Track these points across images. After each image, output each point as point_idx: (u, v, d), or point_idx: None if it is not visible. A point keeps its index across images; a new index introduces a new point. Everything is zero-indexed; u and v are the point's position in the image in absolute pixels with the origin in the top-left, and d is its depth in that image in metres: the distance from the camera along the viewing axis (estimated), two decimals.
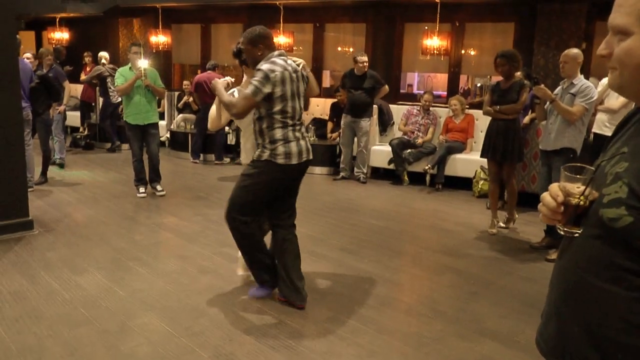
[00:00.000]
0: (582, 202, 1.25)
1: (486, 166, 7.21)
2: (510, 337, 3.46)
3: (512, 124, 5.53)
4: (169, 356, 3.09)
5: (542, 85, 4.91)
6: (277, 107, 3.51)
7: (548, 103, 4.97)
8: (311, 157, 3.77)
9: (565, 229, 1.32)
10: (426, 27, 8.82)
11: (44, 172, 7.37)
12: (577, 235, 1.30)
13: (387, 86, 8.02)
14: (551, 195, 1.30)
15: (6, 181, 5.16)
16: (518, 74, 5.56)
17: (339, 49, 10.43)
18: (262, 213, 3.86)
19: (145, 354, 3.13)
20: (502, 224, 5.87)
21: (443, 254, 5.07)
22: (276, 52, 3.62)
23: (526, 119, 6.62)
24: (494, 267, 4.75)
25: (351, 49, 10.17)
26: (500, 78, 5.63)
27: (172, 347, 3.19)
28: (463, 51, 9.08)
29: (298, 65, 3.71)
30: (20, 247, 4.89)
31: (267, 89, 3.43)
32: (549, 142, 5.00)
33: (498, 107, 5.50)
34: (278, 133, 3.55)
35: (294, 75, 3.57)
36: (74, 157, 9.30)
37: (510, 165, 5.65)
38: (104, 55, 10.01)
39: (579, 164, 1.28)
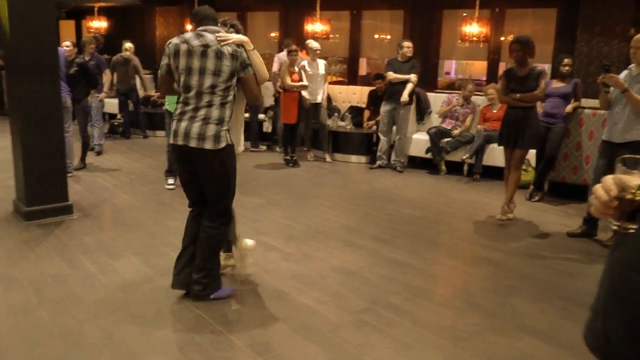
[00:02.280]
0: (637, 197, 1.17)
1: (525, 156, 7.08)
2: (550, 333, 3.36)
3: (530, 112, 5.45)
4: (204, 343, 3.10)
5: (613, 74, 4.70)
6: (178, 81, 3.48)
7: (613, 92, 4.76)
8: (191, 143, 3.36)
9: (618, 225, 1.24)
10: (465, 14, 8.63)
11: (82, 158, 7.51)
12: (631, 231, 1.22)
13: (414, 76, 7.81)
14: (604, 188, 1.23)
15: (47, 167, 5.26)
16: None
17: (376, 36, 10.30)
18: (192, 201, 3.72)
19: (180, 339, 3.15)
20: (501, 217, 5.68)
21: (479, 246, 4.97)
22: (200, 28, 3.47)
23: (569, 108, 6.42)
24: (532, 261, 4.64)
25: (388, 37, 10.04)
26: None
27: (207, 334, 3.20)
28: (503, 38, 8.86)
29: (222, 41, 3.37)
30: (60, 231, 4.98)
31: (164, 61, 3.51)
32: (615, 134, 4.78)
33: (518, 95, 5.39)
34: (177, 110, 3.51)
35: (197, 49, 3.35)
36: (112, 144, 9.44)
37: (522, 152, 5.55)
38: (128, 45, 9.97)
39: (636, 156, 1.20)
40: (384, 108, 8.01)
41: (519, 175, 5.73)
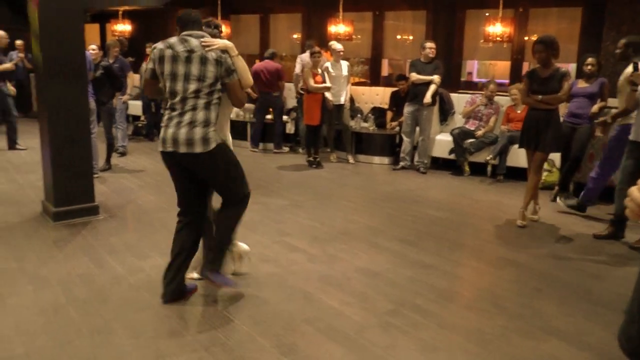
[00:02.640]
0: None
1: (550, 157, 6.99)
2: (578, 337, 3.32)
3: (552, 114, 5.35)
4: (230, 343, 3.12)
5: None
6: (163, 86, 3.46)
7: None
8: (181, 150, 3.37)
9: None
10: (487, 14, 8.57)
11: (108, 160, 7.62)
12: None
13: (437, 77, 7.77)
14: None
15: (74, 168, 5.34)
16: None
17: (398, 37, 10.27)
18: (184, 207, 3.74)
19: (207, 340, 3.17)
20: (522, 222, 5.56)
21: (505, 248, 4.93)
22: (184, 32, 3.44)
23: (594, 108, 6.33)
24: (558, 263, 4.58)
25: (411, 37, 10.01)
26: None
27: (234, 334, 3.23)
28: (526, 38, 8.77)
29: (207, 46, 3.36)
30: (87, 232, 5.06)
31: (149, 65, 3.50)
32: None
33: (540, 96, 5.31)
34: (164, 116, 3.50)
35: (182, 55, 3.34)
36: (136, 145, 9.56)
37: (543, 155, 5.46)
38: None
39: None
40: (407, 109, 7.99)
41: (539, 179, 5.65)
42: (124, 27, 13.17)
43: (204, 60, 3.34)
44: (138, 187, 6.72)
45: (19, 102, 12.89)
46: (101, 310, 3.50)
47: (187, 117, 3.36)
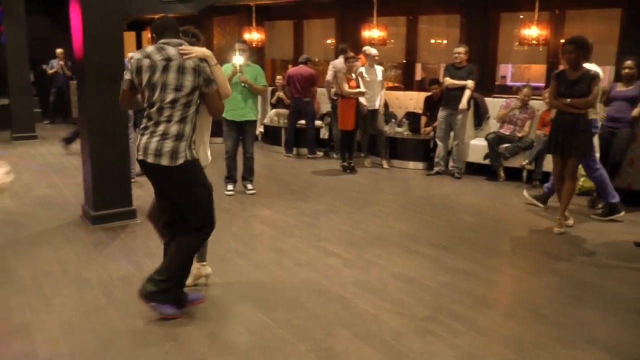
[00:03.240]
0: None
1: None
2: (619, 347, 3.25)
3: (581, 118, 5.21)
4: (268, 347, 3.15)
5: None
6: (142, 96, 3.40)
7: None
8: (149, 159, 3.31)
9: None
10: (521, 16, 8.47)
11: None
12: None
13: (470, 82, 7.68)
14: None
15: (112, 173, 5.46)
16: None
17: (432, 41, 10.22)
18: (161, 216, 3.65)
19: (245, 343, 3.20)
20: (559, 229, 5.44)
21: (542, 254, 4.85)
22: (162, 40, 3.37)
23: (635, 112, 6.19)
24: (598, 271, 4.49)
25: (445, 41, 9.95)
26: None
27: (271, 338, 3.25)
28: (562, 40, 8.62)
29: (185, 54, 3.29)
30: (126, 235, 5.16)
31: (126, 76, 3.42)
32: None
33: (569, 100, 5.18)
34: (142, 124, 3.44)
35: (159, 64, 3.27)
36: None
37: (575, 161, 5.33)
38: None
39: None
40: (441, 114, 7.94)
41: (574, 185, 5.52)
42: None
43: (181, 69, 3.26)
44: None
45: (59, 108, 13.28)
46: (141, 312, 3.56)
47: (160, 128, 3.30)
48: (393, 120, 9.03)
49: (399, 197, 6.80)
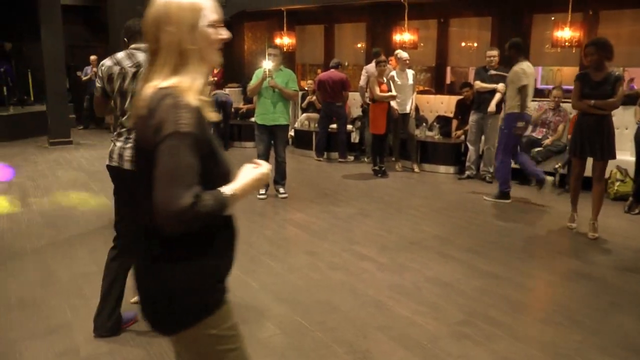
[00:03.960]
0: None
1: (623, 166, 6.76)
2: None
3: (606, 119, 5.17)
4: (305, 349, 3.19)
5: None
6: (115, 104, 3.35)
7: None
8: (125, 166, 3.23)
9: None
10: (552, 18, 8.38)
11: None
12: None
13: (501, 86, 7.59)
14: None
15: None
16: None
17: (463, 44, 10.17)
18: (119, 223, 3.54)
19: (281, 344, 3.25)
20: (593, 234, 5.33)
21: (577, 260, 4.79)
22: (132, 46, 3.34)
23: None
24: (636, 276, 4.42)
25: (475, 44, 9.89)
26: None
27: (308, 340, 3.29)
28: None
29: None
30: None
31: (98, 84, 3.37)
32: None
33: (593, 101, 5.14)
34: (115, 130, 3.38)
35: (129, 71, 3.24)
36: None
37: (603, 163, 5.29)
38: None
39: None
40: (473, 117, 7.90)
41: (603, 187, 5.48)
42: None
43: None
44: None
45: (93, 114, 13.57)
46: None
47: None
48: (424, 124, 9.00)
49: (431, 201, 6.78)
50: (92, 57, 13.23)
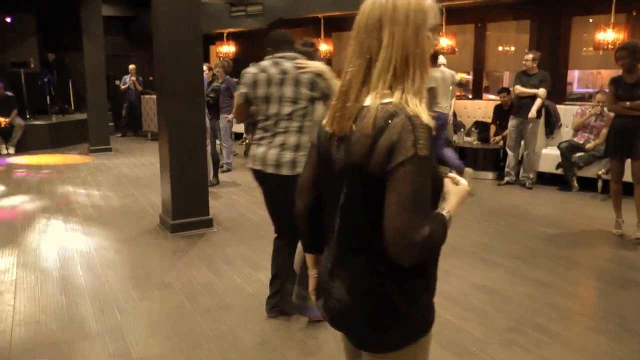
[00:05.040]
0: None
1: None
2: None
3: None
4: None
5: None
6: (257, 109, 3.47)
7: None
8: (268, 170, 3.37)
9: None
10: (590, 20, 8.22)
11: (215, 175, 7.93)
12: None
13: (542, 90, 7.47)
14: None
15: (191, 183, 5.63)
16: None
17: (500, 48, 10.05)
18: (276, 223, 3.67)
19: (333, 350, 3.23)
20: (618, 230, 5.46)
21: (626, 267, 4.67)
22: (278, 54, 3.44)
23: None
24: None
25: (512, 48, 9.77)
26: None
27: None
28: None
29: (301, 68, 3.32)
30: (203, 243, 5.31)
31: (241, 89, 3.51)
32: None
33: (628, 103, 5.19)
34: (256, 135, 3.53)
35: (275, 77, 3.36)
36: (241, 161, 9.86)
37: (639, 162, 5.23)
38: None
39: None
40: (512, 122, 7.79)
41: None
42: (228, 49, 13.76)
43: (297, 82, 3.32)
44: (247, 202, 6.96)
45: (131, 122, 13.84)
46: (224, 318, 3.67)
47: (278, 139, 3.37)
48: (462, 129, 8.92)
49: (471, 206, 6.70)
50: (131, 66, 13.51)
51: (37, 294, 4.09)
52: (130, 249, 5.15)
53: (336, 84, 3.45)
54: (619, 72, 8.28)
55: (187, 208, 5.66)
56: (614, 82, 5.39)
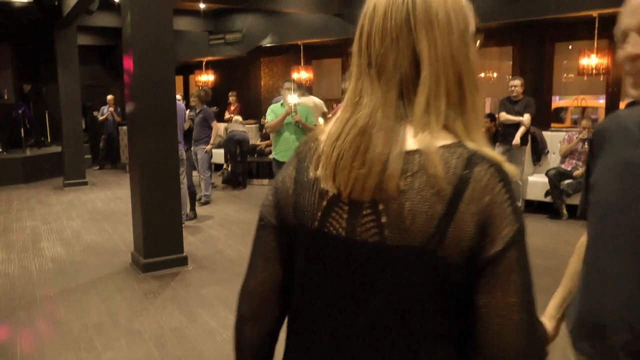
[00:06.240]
0: None
1: None
2: None
3: None
4: None
5: None
6: None
7: None
8: None
9: None
10: (570, 47, 8.15)
11: (192, 208, 7.57)
12: None
13: (527, 117, 7.31)
14: None
15: (164, 219, 5.31)
16: None
17: (482, 75, 9.95)
18: None
19: None
20: None
21: None
22: None
23: None
24: None
25: (495, 74, 9.67)
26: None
27: None
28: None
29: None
30: (177, 283, 4.98)
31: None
32: None
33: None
34: None
35: None
36: (220, 194, 9.59)
37: None
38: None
39: None
40: (498, 149, 7.59)
41: None
42: (207, 77, 13.58)
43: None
44: (225, 237, 6.64)
45: (108, 154, 13.51)
46: None
47: None
48: None
49: None
50: (109, 97, 13.22)
51: None
52: (98, 292, 4.79)
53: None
54: (603, 97, 8.28)
55: (160, 246, 5.33)
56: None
